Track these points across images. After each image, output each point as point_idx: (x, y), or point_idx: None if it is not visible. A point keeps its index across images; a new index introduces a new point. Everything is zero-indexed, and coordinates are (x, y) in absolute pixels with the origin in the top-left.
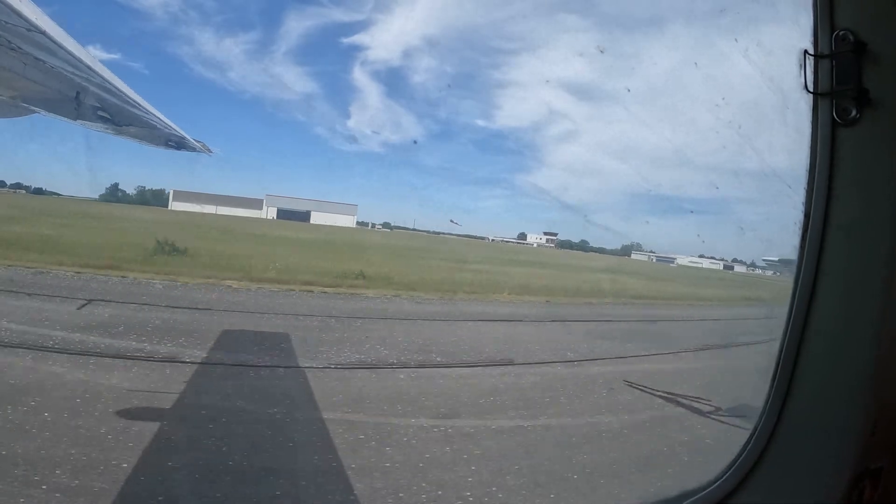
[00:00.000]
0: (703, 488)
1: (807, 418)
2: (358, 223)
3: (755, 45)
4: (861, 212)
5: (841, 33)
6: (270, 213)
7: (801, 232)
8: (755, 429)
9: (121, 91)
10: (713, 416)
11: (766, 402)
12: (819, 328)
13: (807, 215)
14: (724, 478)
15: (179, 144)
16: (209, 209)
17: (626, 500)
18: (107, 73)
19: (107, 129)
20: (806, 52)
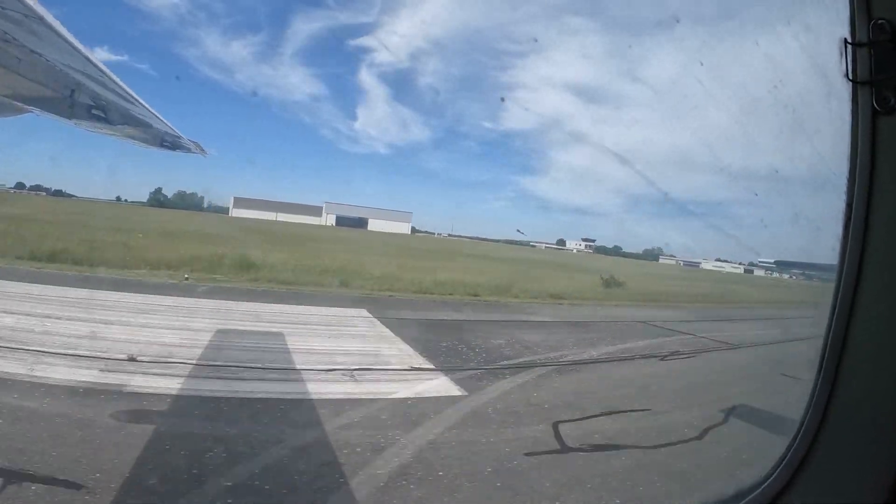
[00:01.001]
0: (754, 488)
1: (852, 416)
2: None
3: (797, 34)
4: None
5: (879, 22)
6: (329, 219)
7: (843, 222)
8: (800, 427)
9: (117, 85)
10: None
11: (811, 400)
12: (864, 323)
13: (849, 205)
14: (771, 478)
15: (174, 144)
16: (269, 216)
17: (680, 498)
18: (103, 67)
19: (101, 128)
20: (845, 40)
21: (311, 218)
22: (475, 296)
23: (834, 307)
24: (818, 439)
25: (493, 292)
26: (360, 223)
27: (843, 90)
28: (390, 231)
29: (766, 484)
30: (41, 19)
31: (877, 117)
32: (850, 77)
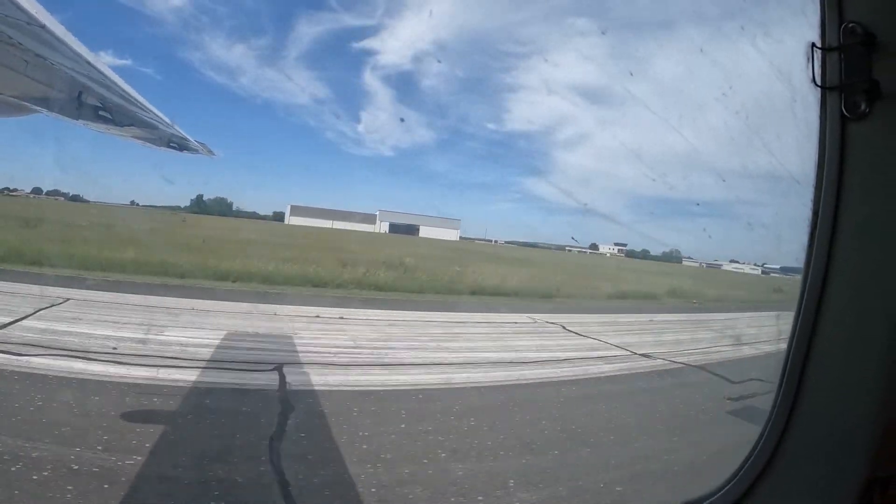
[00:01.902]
0: (710, 495)
1: (815, 424)
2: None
3: (763, 38)
4: (872, 208)
5: (850, 25)
6: (383, 227)
7: (809, 230)
8: (762, 434)
9: (122, 89)
10: None
11: (774, 406)
12: (829, 330)
13: (815, 213)
14: (731, 484)
15: (181, 146)
16: (325, 223)
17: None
18: (107, 71)
19: (108, 129)
20: (814, 45)
21: (366, 226)
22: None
23: (798, 313)
24: (781, 445)
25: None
26: (412, 230)
27: (811, 96)
28: (440, 238)
29: (722, 491)
30: (43, 27)
31: (846, 123)
32: (819, 82)
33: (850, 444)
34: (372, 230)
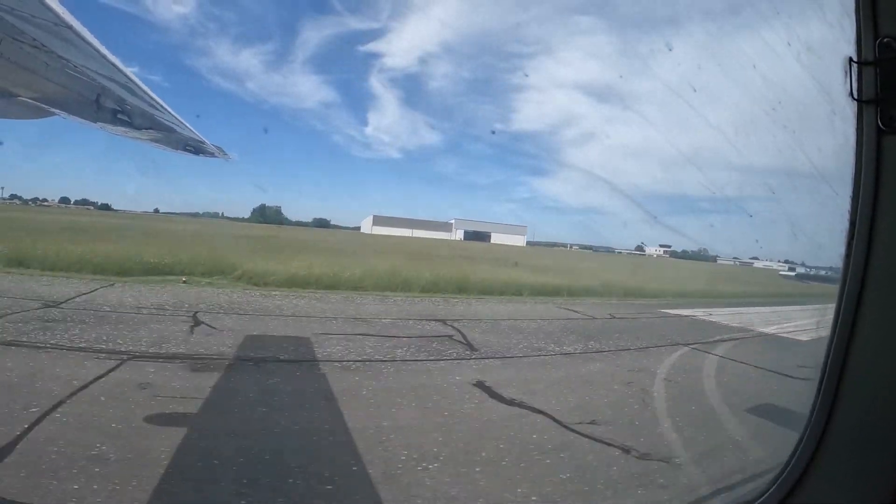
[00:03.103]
0: (752, 500)
1: (853, 430)
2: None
3: (804, 52)
4: None
5: (885, 40)
6: (458, 234)
7: (846, 240)
8: (801, 439)
9: (143, 90)
10: None
11: (812, 410)
12: (866, 336)
13: (852, 223)
14: (772, 489)
15: (197, 149)
16: (405, 232)
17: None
18: (129, 72)
19: (126, 132)
20: (850, 59)
21: (442, 233)
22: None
23: (836, 320)
24: (820, 449)
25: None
26: (484, 237)
27: (848, 109)
28: (510, 244)
29: (766, 495)
30: (70, 28)
31: (882, 136)
32: (855, 96)
33: (889, 449)
34: (448, 237)
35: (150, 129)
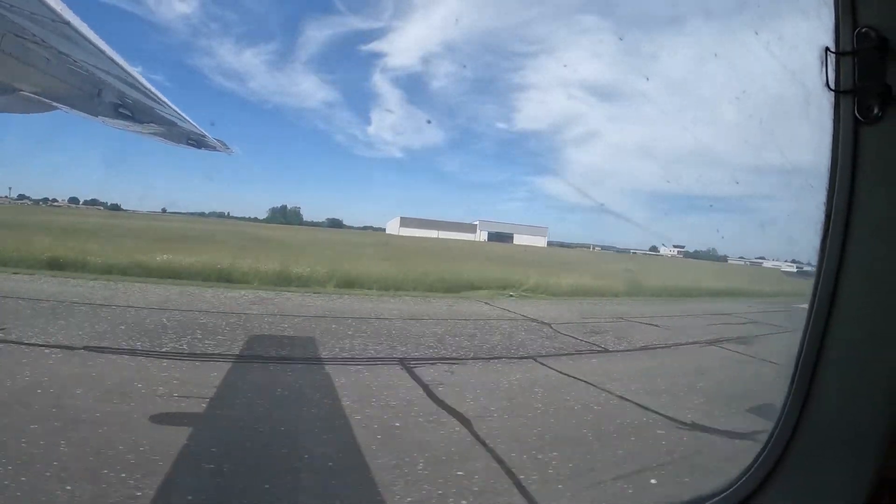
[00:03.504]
0: (719, 493)
1: (826, 425)
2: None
3: (778, 41)
4: (884, 211)
5: (863, 30)
6: (482, 236)
7: (822, 232)
8: (772, 433)
9: (143, 85)
10: None
11: (784, 406)
12: (840, 331)
13: (828, 216)
14: (740, 483)
15: (199, 143)
16: (430, 234)
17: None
18: (128, 66)
19: (128, 126)
20: (827, 49)
21: (467, 234)
22: None
23: (810, 312)
24: (792, 444)
25: None
26: (507, 238)
27: (824, 99)
28: (531, 244)
29: (733, 487)
30: (68, 24)
31: (859, 127)
32: (833, 86)
33: (862, 445)
34: (473, 239)
35: (152, 122)
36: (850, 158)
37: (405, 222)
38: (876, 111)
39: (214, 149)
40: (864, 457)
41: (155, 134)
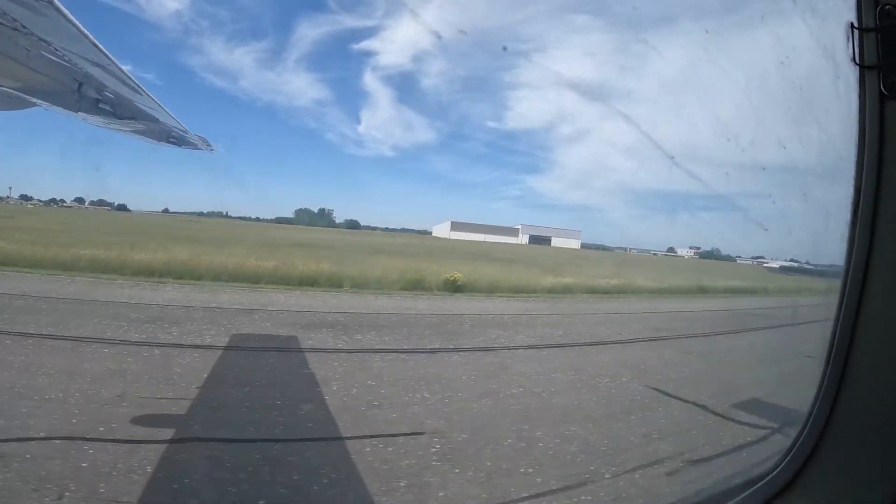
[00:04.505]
0: (749, 485)
1: (860, 412)
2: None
3: (804, 19)
4: None
5: (887, 7)
6: (523, 239)
7: (851, 209)
8: (802, 429)
9: (127, 75)
10: None
11: (818, 393)
12: (873, 315)
13: (857, 190)
14: (779, 469)
15: (181, 140)
16: (478, 237)
17: (672, 492)
18: (111, 56)
19: (108, 123)
20: (852, 24)
21: (510, 238)
22: None
23: (842, 297)
24: (826, 434)
25: None
26: (545, 241)
27: (851, 75)
28: (567, 247)
29: (771, 476)
30: (50, 3)
31: (885, 102)
32: (857, 61)
33: (891, 442)
34: (516, 242)
35: (132, 118)
36: (878, 132)
37: (455, 226)
38: None
39: (196, 147)
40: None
41: (135, 131)
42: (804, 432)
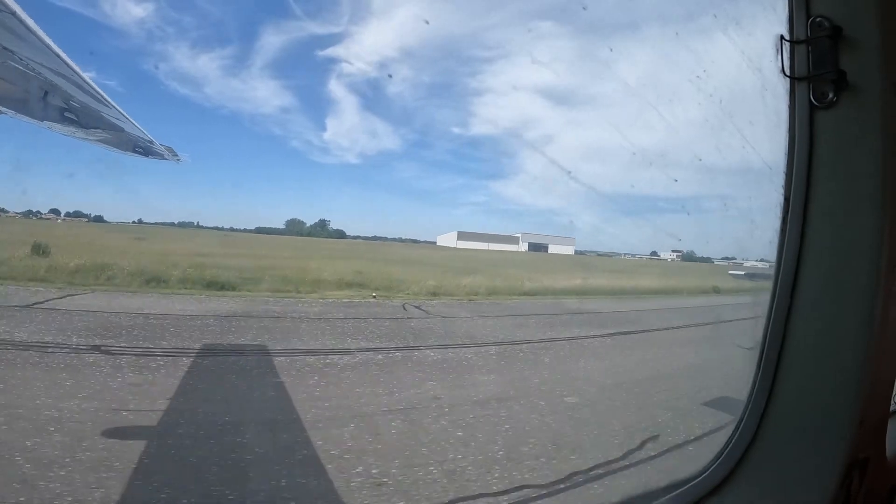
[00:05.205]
0: (689, 480)
1: (793, 410)
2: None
3: (734, 30)
4: (841, 194)
5: (817, 19)
6: (523, 246)
7: (781, 216)
8: (740, 421)
9: (91, 86)
10: None
11: (751, 394)
12: (804, 316)
13: (786, 198)
14: (710, 470)
15: (147, 150)
16: (482, 245)
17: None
18: (77, 67)
19: (74, 132)
20: (782, 37)
21: (511, 246)
22: None
23: (773, 300)
24: (758, 434)
25: None
26: (543, 248)
27: (780, 86)
28: (563, 253)
29: (701, 477)
30: (13, 14)
31: (814, 112)
32: (788, 73)
33: (830, 428)
34: (516, 249)
35: (98, 128)
36: (807, 143)
37: (462, 236)
38: (830, 96)
39: (162, 157)
40: (833, 439)
41: (101, 141)
42: (736, 433)
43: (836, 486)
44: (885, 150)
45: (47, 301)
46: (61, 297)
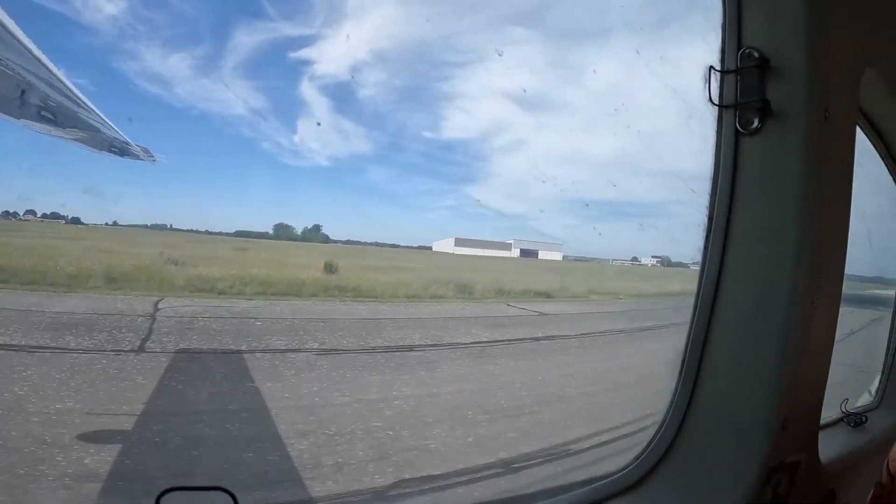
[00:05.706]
0: (607, 477)
1: (713, 413)
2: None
3: (661, 61)
4: (763, 215)
5: (747, 51)
6: (514, 252)
7: (704, 234)
8: (665, 416)
9: (67, 87)
10: None
11: (673, 396)
12: (723, 324)
13: (710, 218)
14: (629, 469)
15: (122, 150)
16: (477, 251)
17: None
18: (52, 67)
19: (50, 131)
20: (712, 67)
21: (504, 252)
22: None
23: (696, 307)
24: (682, 429)
25: None
26: (533, 254)
27: (708, 113)
28: (552, 259)
29: (620, 474)
30: None
31: (739, 138)
32: (717, 101)
33: (750, 432)
34: (508, 255)
35: (75, 128)
36: (731, 167)
37: (459, 242)
38: (755, 123)
39: (138, 157)
40: (754, 443)
41: (77, 140)
42: (658, 435)
43: (757, 487)
44: (806, 173)
45: None
46: None
